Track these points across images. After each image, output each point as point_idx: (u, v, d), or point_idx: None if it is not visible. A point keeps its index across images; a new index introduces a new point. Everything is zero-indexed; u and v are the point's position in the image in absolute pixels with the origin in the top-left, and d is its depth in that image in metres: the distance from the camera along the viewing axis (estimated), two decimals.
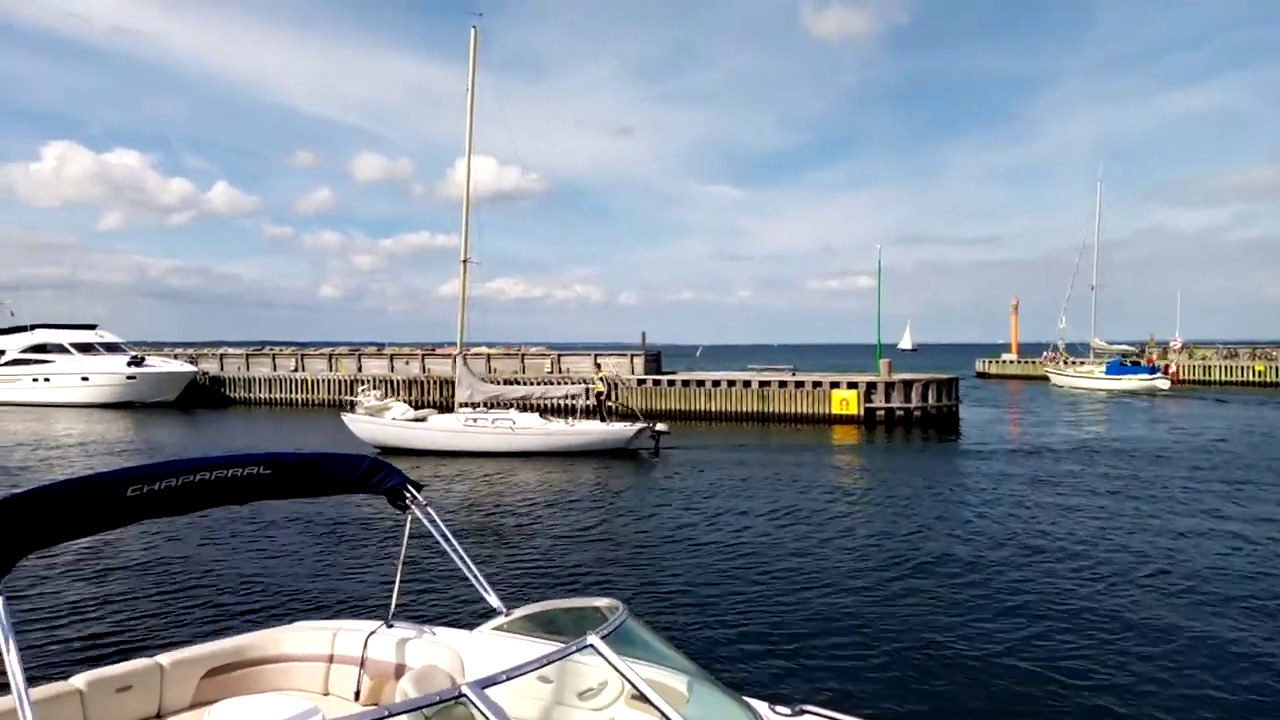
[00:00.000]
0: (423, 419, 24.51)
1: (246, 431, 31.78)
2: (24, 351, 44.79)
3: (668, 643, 3.94)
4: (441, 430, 23.68)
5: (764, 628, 8.55)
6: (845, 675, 7.32)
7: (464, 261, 25.23)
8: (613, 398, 30.71)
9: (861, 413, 30.95)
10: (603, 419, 25.02)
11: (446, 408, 27.27)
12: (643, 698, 3.35)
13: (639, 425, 23.71)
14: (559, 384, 28.52)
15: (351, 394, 40.37)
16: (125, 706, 4.24)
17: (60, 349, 44.42)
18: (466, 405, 25.08)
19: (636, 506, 15.66)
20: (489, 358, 40.50)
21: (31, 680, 3.16)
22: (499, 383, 30.83)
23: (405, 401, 29.65)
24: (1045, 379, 58.15)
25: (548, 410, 26.20)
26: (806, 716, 3.77)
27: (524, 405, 25.52)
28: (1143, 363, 52.81)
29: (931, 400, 31.51)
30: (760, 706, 3.75)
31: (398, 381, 40.02)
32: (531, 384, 30.39)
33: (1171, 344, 63.10)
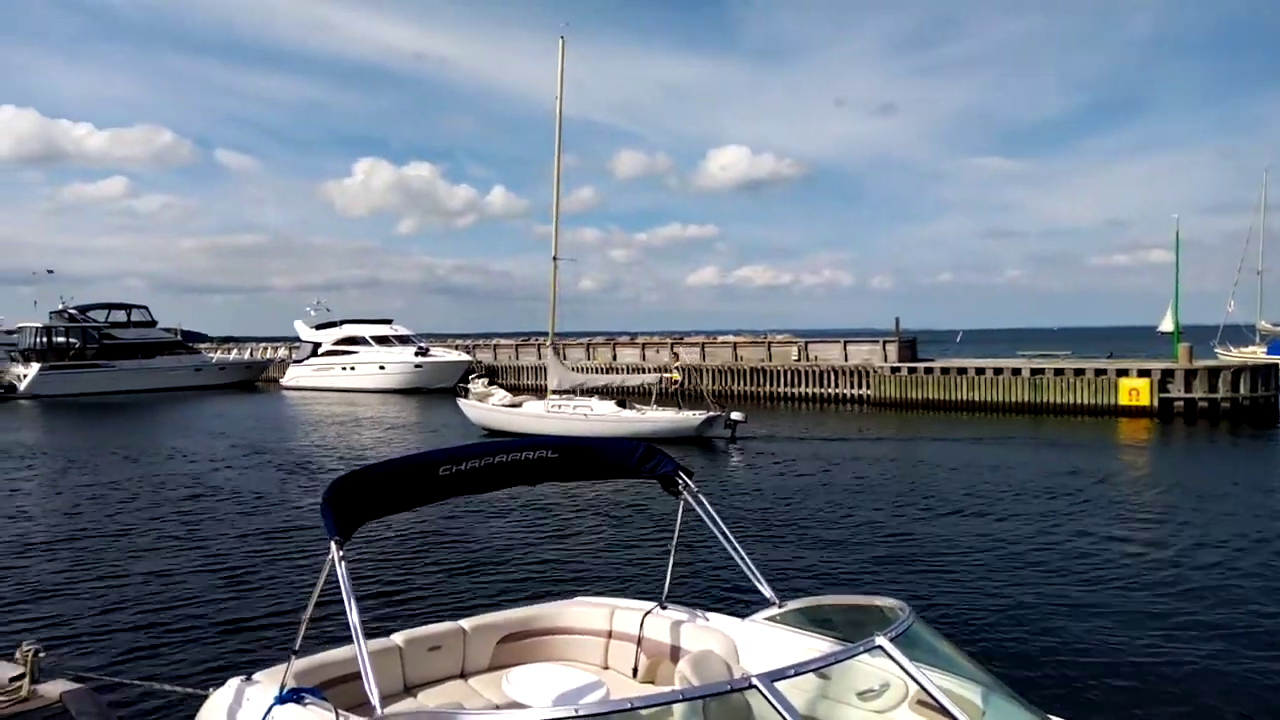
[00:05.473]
0: (517, 405, 26.75)
1: None
2: (335, 344, 51.57)
3: (959, 649, 3.68)
4: (528, 415, 25.48)
5: (1032, 647, 7.75)
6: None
7: (555, 259, 26.53)
8: (688, 386, 30.60)
9: (1155, 404, 27.61)
10: (678, 407, 24.92)
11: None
12: (934, 705, 3.15)
13: (709, 413, 23.44)
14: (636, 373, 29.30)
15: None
16: (435, 664, 4.68)
17: (363, 341, 50.62)
18: (556, 392, 26.42)
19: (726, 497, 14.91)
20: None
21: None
22: (588, 372, 32.23)
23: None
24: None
25: (631, 395, 26.86)
26: None
27: (607, 392, 26.83)
28: None
29: (1244, 390, 27.43)
30: None
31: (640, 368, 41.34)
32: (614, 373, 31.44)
33: None
